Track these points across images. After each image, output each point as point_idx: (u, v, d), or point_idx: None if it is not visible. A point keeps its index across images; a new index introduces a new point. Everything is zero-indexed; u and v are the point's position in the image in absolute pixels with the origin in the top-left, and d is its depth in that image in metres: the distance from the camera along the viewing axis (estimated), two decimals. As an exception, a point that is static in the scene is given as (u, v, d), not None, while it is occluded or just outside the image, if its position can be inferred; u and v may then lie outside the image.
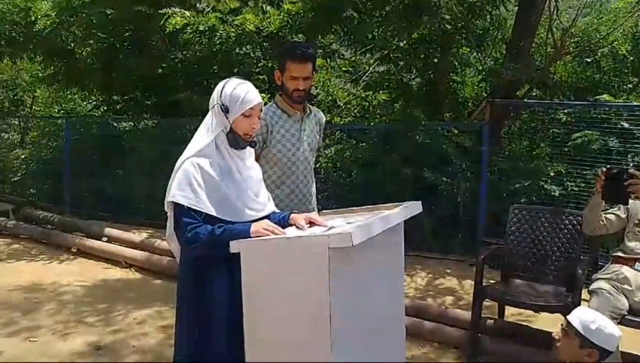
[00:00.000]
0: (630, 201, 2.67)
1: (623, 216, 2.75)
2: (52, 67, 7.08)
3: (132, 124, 7.10)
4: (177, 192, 1.74)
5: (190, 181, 1.74)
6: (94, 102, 8.25)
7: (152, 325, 3.45)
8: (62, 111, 9.31)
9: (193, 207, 1.73)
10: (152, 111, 7.03)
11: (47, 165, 7.61)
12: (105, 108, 7.84)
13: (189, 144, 1.84)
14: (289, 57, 2.38)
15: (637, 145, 4.50)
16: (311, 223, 1.77)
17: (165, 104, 6.56)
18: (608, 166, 2.68)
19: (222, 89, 1.83)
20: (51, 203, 7.02)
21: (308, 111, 2.52)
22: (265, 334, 1.56)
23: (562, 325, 1.95)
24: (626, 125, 4.58)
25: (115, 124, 7.18)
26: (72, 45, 6.75)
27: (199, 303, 1.78)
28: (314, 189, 2.60)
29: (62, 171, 7.10)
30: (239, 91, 1.81)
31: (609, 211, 2.77)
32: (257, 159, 2.43)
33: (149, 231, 5.70)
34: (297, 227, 1.76)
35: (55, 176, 7.29)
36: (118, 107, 7.55)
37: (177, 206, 1.75)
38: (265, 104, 2.53)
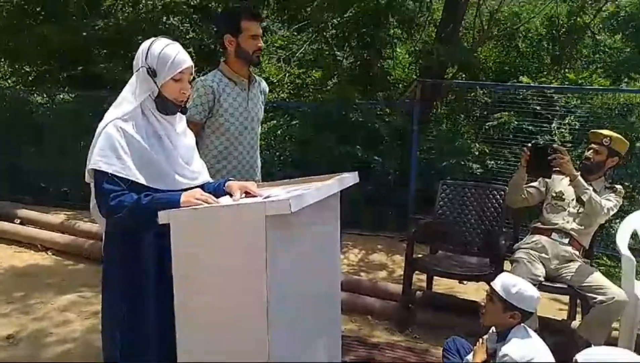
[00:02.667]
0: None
1: (542, 189, 2.92)
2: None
3: (47, 97, 6.55)
4: (99, 158, 1.59)
5: (114, 145, 1.60)
6: (2, 73, 7.52)
7: (75, 312, 3.21)
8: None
9: (118, 174, 1.59)
10: (70, 83, 6.51)
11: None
12: (15, 79, 7.17)
13: (110, 108, 1.69)
14: (245, 17, 2.30)
15: (546, 125, 4.81)
16: (247, 193, 1.68)
17: (84, 76, 6.11)
18: (533, 141, 2.86)
19: (147, 50, 1.67)
20: (-46, 183, 6.36)
21: (254, 80, 2.44)
22: (198, 309, 1.49)
23: (486, 292, 2.05)
24: (538, 107, 4.89)
25: (27, 97, 6.58)
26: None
27: (125, 279, 1.67)
28: (259, 161, 2.54)
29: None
30: (167, 52, 1.67)
31: (529, 184, 2.94)
32: (201, 129, 2.33)
33: (68, 212, 5.31)
34: (231, 196, 1.68)
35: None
36: (30, 78, 6.93)
37: (99, 174, 1.60)
38: (194, 78, 2.41)
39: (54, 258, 4.31)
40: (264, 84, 2.58)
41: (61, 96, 6.52)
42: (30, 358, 2.68)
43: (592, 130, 2.93)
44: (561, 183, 2.85)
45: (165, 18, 5.17)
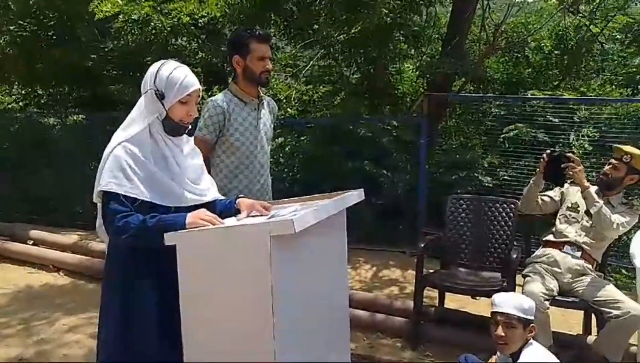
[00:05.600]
0: (567, 185, 2.83)
1: (557, 199, 2.89)
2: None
3: (59, 118, 6.66)
4: (110, 180, 1.60)
5: (122, 166, 1.61)
6: (15, 96, 7.67)
7: (84, 332, 3.21)
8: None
9: (128, 194, 1.60)
10: (81, 105, 6.62)
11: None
12: (27, 102, 7.30)
13: (118, 130, 1.71)
14: (254, 38, 2.32)
15: (561, 136, 4.77)
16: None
17: (95, 97, 6.21)
18: (551, 149, 2.85)
19: (156, 73, 1.69)
20: (-32, 205, 6.45)
21: (262, 99, 2.46)
22: (204, 331, 1.48)
23: (496, 323, 1.95)
24: (551, 118, 4.85)
25: (39, 119, 6.69)
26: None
27: (124, 299, 1.66)
28: (269, 180, 2.54)
29: (-20, 170, 6.55)
30: (176, 75, 1.68)
31: (545, 193, 2.91)
32: (212, 149, 2.35)
33: (80, 233, 5.36)
34: (237, 217, 1.69)
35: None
36: (42, 101, 7.06)
37: (107, 194, 1.62)
38: (203, 98, 2.44)
39: (66, 279, 4.34)
40: (273, 103, 2.60)
41: (73, 118, 6.63)
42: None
43: (616, 145, 2.87)
44: (577, 195, 2.80)
45: (173, 39, 5.24)
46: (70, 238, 5.02)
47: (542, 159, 2.74)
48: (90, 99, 6.40)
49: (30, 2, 5.53)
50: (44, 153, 6.26)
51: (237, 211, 1.75)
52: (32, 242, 4.95)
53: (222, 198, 1.87)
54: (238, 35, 2.43)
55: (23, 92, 7.38)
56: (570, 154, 2.72)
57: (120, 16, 4.60)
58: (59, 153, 6.16)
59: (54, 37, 6.24)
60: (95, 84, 6.16)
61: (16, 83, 7.16)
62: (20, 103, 7.53)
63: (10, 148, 6.56)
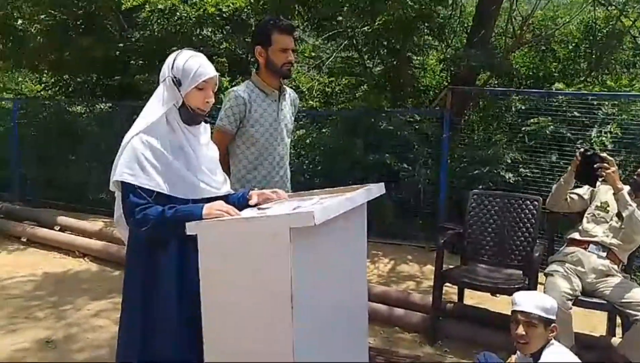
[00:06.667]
0: (598, 184, 2.76)
1: (586, 198, 2.84)
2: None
3: (86, 107, 6.79)
4: (125, 170, 1.64)
5: (138, 158, 1.64)
6: (44, 84, 7.84)
7: (108, 317, 3.30)
8: (11, 94, 8.82)
9: (143, 186, 1.63)
10: (107, 93, 6.74)
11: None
12: (56, 90, 7.47)
13: (138, 119, 1.73)
14: (277, 29, 2.29)
15: (584, 132, 4.65)
16: (268, 199, 1.75)
17: (121, 86, 6.31)
18: (584, 147, 2.79)
19: (173, 61, 1.72)
20: (-1, 191, 6.66)
21: (284, 91, 2.45)
22: (224, 319, 1.51)
23: (517, 322, 1.92)
24: (576, 113, 4.73)
25: (67, 107, 6.84)
26: (20, 23, 6.37)
27: (145, 290, 1.70)
28: (289, 172, 2.54)
29: (10, 156, 6.73)
30: (192, 63, 1.71)
31: (574, 191, 2.85)
32: (232, 139, 2.37)
33: (105, 219, 5.48)
34: (249, 201, 1.73)
35: (2, 162, 6.90)
36: (70, 89, 7.20)
37: (125, 186, 1.65)
38: (226, 88, 2.45)
39: (91, 264, 4.45)
40: (294, 95, 2.59)
41: (99, 106, 6.75)
42: (66, 360, 2.77)
43: None
44: (607, 194, 2.74)
45: (198, 30, 5.28)
46: (96, 224, 5.14)
47: (574, 158, 2.69)
48: (116, 88, 6.51)
49: (60, -8, 5.64)
50: (71, 141, 6.40)
51: (247, 205, 1.77)
52: (58, 228, 5.08)
53: (233, 192, 1.89)
54: (261, 25, 2.41)
55: (52, 80, 7.53)
56: (604, 155, 2.63)
57: (147, 6, 4.65)
58: (85, 140, 6.29)
59: (83, 26, 6.35)
60: (122, 73, 6.25)
61: (45, 71, 7.31)
62: (49, 91, 7.71)
63: (39, 135, 6.73)
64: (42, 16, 6.18)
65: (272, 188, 2.29)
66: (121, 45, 6.14)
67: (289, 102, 2.50)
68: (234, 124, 2.34)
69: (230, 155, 2.41)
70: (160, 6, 4.67)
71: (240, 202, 1.77)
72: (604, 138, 4.49)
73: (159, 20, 4.93)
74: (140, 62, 6.26)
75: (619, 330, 2.84)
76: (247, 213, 1.68)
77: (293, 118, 2.56)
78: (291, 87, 2.66)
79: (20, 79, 8.92)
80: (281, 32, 2.29)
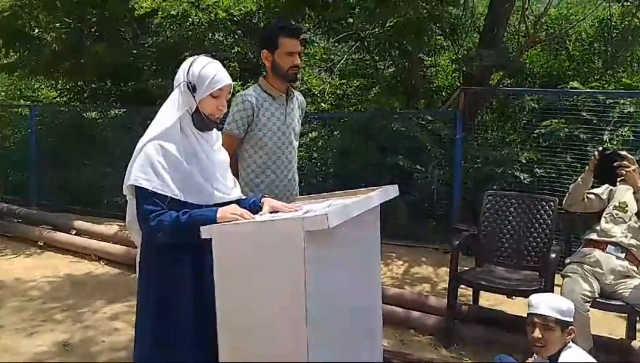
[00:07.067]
0: (617, 183, 2.71)
1: (604, 197, 2.79)
2: (16, 54, 6.79)
3: (100, 112, 6.88)
4: (140, 175, 1.64)
5: (153, 163, 1.64)
6: (59, 91, 7.97)
7: (124, 320, 3.33)
8: (27, 101, 8.97)
9: (157, 191, 1.63)
10: (121, 99, 6.82)
11: (11, 156, 7.32)
12: (71, 96, 7.58)
13: (152, 123, 1.74)
14: (283, 32, 2.30)
15: (599, 131, 4.58)
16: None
17: (135, 91, 6.38)
18: (602, 147, 2.74)
19: (189, 67, 1.73)
20: (16, 196, 6.77)
21: (291, 94, 2.45)
22: (239, 321, 1.51)
23: (533, 325, 1.90)
24: (592, 112, 4.66)
25: (82, 113, 6.94)
26: (36, 30, 6.49)
27: (160, 295, 1.70)
28: (297, 176, 2.54)
29: (27, 161, 6.85)
30: (208, 70, 1.72)
31: (592, 190, 2.81)
32: (240, 144, 2.37)
33: (120, 223, 5.54)
34: (271, 211, 1.71)
35: (20, 167, 7.02)
36: (85, 95, 7.31)
37: (139, 191, 1.66)
38: (237, 92, 2.46)
39: (107, 268, 4.50)
40: (301, 98, 2.59)
41: (114, 112, 6.84)
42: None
43: None
44: (626, 194, 2.69)
45: (210, 34, 5.33)
46: (112, 228, 5.20)
47: (592, 157, 2.64)
48: (130, 93, 6.59)
49: (75, 0, 5.72)
50: (86, 146, 6.50)
51: (260, 211, 1.76)
52: (75, 232, 5.15)
53: (244, 196, 1.89)
54: (268, 29, 2.42)
55: (67, 86, 7.65)
56: (624, 153, 2.58)
57: (160, 12, 4.70)
58: (100, 145, 6.38)
59: (97, 33, 6.45)
60: (135, 79, 6.33)
61: (61, 78, 7.42)
62: (65, 97, 7.83)
63: (55, 141, 6.84)
64: (57, 24, 6.28)
65: (280, 191, 2.30)
66: (134, 51, 6.22)
67: (296, 106, 2.50)
68: (242, 129, 2.34)
69: (238, 159, 2.42)
70: (172, 12, 4.71)
71: (252, 207, 1.77)
72: (621, 137, 4.42)
73: (171, 26, 4.99)
74: (154, 67, 6.32)
75: (639, 334, 2.79)
76: (260, 216, 1.68)
77: (300, 122, 2.56)
78: (303, 90, 2.66)
79: (36, 86, 9.07)
80: (287, 36, 2.29)
